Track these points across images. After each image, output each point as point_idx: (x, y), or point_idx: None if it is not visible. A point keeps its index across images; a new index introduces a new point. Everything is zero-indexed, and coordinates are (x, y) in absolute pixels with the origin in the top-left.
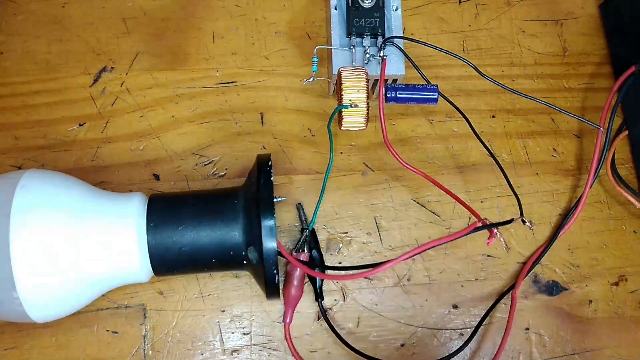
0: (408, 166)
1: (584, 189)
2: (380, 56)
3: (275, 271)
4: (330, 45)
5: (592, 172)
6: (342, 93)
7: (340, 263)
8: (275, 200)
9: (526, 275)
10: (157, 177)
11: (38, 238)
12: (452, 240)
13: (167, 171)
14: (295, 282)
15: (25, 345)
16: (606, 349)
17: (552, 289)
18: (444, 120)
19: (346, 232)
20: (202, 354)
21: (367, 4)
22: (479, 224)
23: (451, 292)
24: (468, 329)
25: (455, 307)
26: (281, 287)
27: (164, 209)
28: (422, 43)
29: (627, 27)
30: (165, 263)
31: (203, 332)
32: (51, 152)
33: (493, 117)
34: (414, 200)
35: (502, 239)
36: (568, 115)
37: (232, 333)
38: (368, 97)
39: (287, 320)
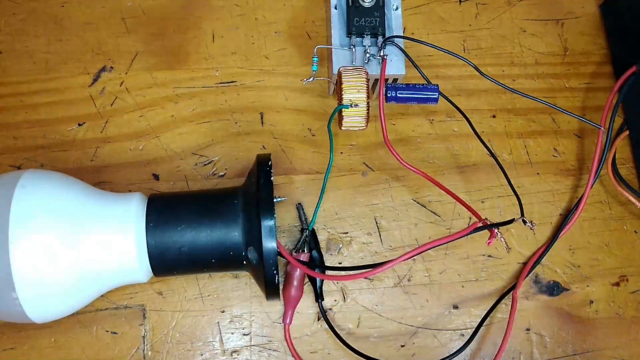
0: (408, 166)
1: (585, 189)
2: (380, 56)
3: (275, 271)
4: (331, 45)
5: (593, 172)
6: (342, 93)
7: (340, 263)
8: (275, 200)
9: (527, 275)
10: (156, 177)
11: (37, 238)
12: (452, 241)
13: (166, 171)
14: (295, 283)
15: (24, 345)
16: (607, 350)
17: (553, 289)
18: (445, 120)
19: (346, 232)
20: (202, 355)
21: (367, 4)
22: (480, 224)
23: (452, 293)
24: (468, 330)
25: (455, 307)
26: (281, 287)
27: (163, 209)
28: (422, 42)
29: (628, 27)
30: (165, 263)
31: (203, 332)
32: (50, 152)
33: (494, 116)
34: (415, 201)
35: (502, 239)
36: (569, 115)
37: (232, 334)
38: (368, 97)
39: (287, 321)
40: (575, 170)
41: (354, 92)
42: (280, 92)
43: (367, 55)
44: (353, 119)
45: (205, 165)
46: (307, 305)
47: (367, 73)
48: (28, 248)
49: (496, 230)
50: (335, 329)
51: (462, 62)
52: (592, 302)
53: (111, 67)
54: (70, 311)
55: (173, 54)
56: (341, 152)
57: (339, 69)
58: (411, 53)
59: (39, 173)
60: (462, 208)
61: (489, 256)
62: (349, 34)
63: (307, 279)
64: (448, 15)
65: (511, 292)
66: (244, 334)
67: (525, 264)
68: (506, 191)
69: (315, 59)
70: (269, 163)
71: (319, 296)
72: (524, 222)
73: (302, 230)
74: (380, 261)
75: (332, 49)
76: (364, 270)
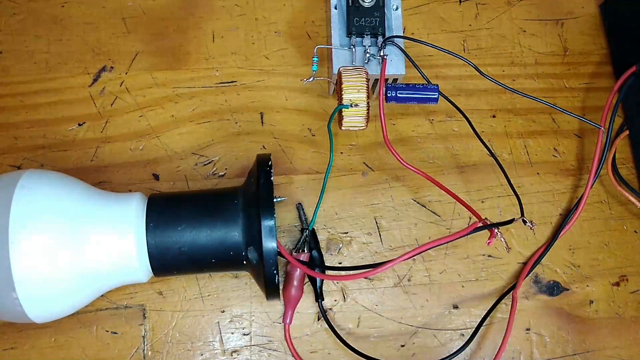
0: (408, 166)
1: (585, 189)
2: (380, 56)
3: (275, 271)
4: (331, 45)
5: (593, 172)
6: (342, 93)
7: (340, 263)
8: (275, 200)
9: (527, 275)
10: (156, 177)
11: (37, 238)
12: (452, 241)
13: (166, 171)
14: (295, 283)
15: (24, 345)
16: (607, 350)
17: (553, 289)
18: (445, 120)
19: (346, 232)
20: (202, 355)
21: (367, 4)
22: (480, 224)
23: (452, 293)
24: (468, 330)
25: (455, 307)
26: (281, 287)
27: (163, 209)
28: (422, 42)
29: (627, 26)
30: (165, 263)
31: (203, 332)
32: (50, 152)
33: (494, 116)
34: (415, 200)
35: (502, 239)
36: (569, 115)
37: (232, 333)
38: (368, 97)
39: (287, 321)
40: (575, 170)
41: (354, 92)
42: (280, 92)
43: (367, 55)
44: (353, 119)
45: (205, 165)
46: (307, 305)
47: (367, 73)
48: (28, 248)
49: (496, 230)
50: (335, 328)
51: (462, 62)
52: (592, 302)
53: (111, 67)
54: (71, 311)
55: (173, 54)
56: (341, 152)
57: (339, 69)
58: (411, 53)
59: (39, 173)
60: (462, 208)
61: (489, 256)
62: (349, 34)
63: (307, 279)
64: (448, 15)
65: (511, 292)
66: (244, 334)
67: (525, 263)
68: (506, 191)
69: (315, 59)
70: (269, 163)
71: (319, 296)
72: (524, 222)
73: (302, 230)
74: (380, 261)
75: (332, 49)
76: (364, 270)
